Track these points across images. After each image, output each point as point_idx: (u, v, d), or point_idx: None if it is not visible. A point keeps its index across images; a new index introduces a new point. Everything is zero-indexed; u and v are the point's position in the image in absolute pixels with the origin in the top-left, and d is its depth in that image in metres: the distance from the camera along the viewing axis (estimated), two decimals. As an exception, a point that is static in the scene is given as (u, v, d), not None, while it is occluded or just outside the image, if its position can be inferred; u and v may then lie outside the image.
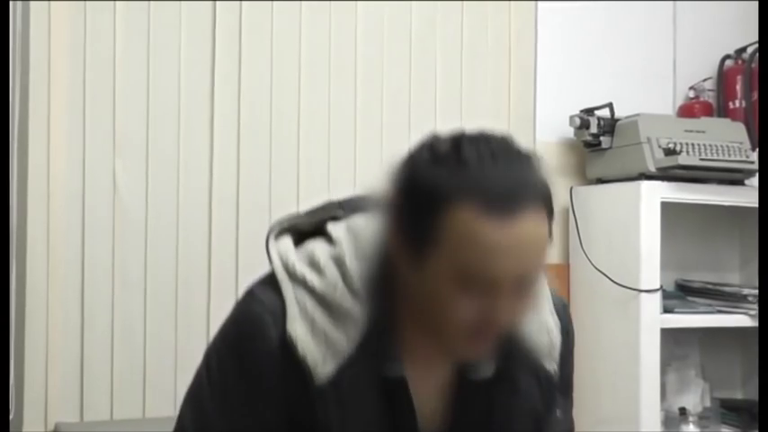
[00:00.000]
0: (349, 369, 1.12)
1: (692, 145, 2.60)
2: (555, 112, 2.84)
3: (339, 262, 1.15)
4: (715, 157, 2.61)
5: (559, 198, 2.81)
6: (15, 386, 2.25)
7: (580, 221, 2.78)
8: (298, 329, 1.12)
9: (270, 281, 1.18)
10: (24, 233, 2.25)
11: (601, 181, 2.78)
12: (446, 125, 2.73)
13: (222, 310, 2.44)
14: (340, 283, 1.14)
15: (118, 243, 2.34)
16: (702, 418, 2.73)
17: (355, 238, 1.17)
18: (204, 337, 2.40)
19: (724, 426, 2.79)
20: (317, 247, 1.18)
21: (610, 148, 2.72)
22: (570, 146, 2.89)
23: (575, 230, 2.79)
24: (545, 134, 2.87)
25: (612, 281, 2.61)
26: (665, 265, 2.61)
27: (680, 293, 2.85)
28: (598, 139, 2.73)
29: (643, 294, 2.54)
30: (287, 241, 1.21)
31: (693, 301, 2.78)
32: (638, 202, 2.56)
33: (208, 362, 1.22)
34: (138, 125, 2.36)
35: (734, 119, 2.88)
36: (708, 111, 2.96)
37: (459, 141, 1.09)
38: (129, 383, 2.34)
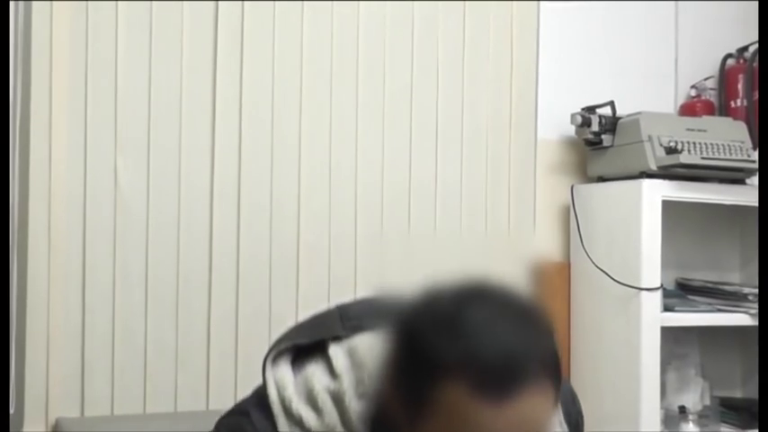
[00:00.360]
0: None
1: (694, 144, 2.60)
2: (556, 109, 2.84)
3: (338, 400, 1.08)
4: (716, 156, 2.61)
5: (558, 198, 2.84)
6: (16, 382, 2.25)
7: (581, 219, 2.78)
8: None
9: (265, 405, 1.12)
10: (25, 229, 2.25)
11: (602, 179, 2.78)
12: (448, 121, 2.76)
13: (223, 307, 2.47)
14: (339, 427, 1.07)
15: (119, 240, 2.34)
16: (702, 417, 2.73)
17: (358, 368, 1.09)
18: (205, 334, 2.41)
19: (723, 424, 2.79)
20: (315, 379, 1.10)
21: (611, 146, 2.72)
22: (571, 144, 2.89)
23: (575, 228, 2.79)
24: (546, 132, 2.87)
25: (613, 279, 2.61)
26: (666, 263, 2.61)
27: (680, 292, 2.85)
28: (599, 138, 2.73)
29: (643, 293, 2.54)
30: (285, 370, 1.14)
31: (694, 300, 2.78)
32: (640, 200, 2.56)
33: None
34: (140, 122, 2.36)
35: (735, 118, 2.87)
36: (709, 110, 2.96)
37: (459, 303, 1.00)
38: (129, 379, 2.34)
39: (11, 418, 2.23)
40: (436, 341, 0.97)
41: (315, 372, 1.11)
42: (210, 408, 2.37)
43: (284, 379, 1.12)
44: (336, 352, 1.11)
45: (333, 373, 1.10)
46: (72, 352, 2.30)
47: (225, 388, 2.41)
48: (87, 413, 2.30)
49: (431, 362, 0.96)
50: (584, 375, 2.79)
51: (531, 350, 0.97)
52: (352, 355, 1.10)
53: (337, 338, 1.13)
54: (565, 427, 1.17)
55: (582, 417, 1.27)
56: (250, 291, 2.45)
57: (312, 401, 1.09)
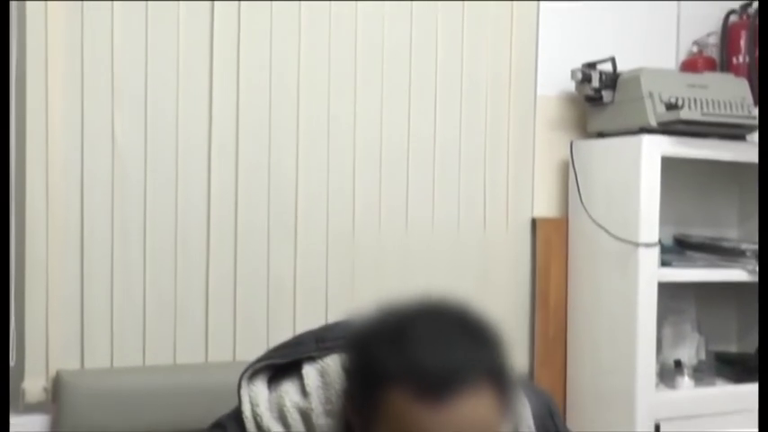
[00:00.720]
0: None
1: (695, 100, 2.59)
2: (556, 65, 2.82)
3: (306, 417, 1.16)
4: (717, 112, 2.60)
5: (558, 154, 2.83)
6: (16, 335, 2.26)
7: (580, 176, 2.78)
8: None
9: (240, 420, 1.19)
10: (23, 186, 2.25)
11: (601, 135, 2.78)
12: (447, 78, 2.74)
13: (220, 260, 2.49)
14: None
15: (117, 195, 2.34)
16: (697, 371, 2.75)
17: (327, 388, 1.17)
18: (203, 287, 2.42)
19: (718, 378, 2.82)
20: (287, 397, 1.19)
21: (611, 102, 2.71)
22: (571, 100, 2.88)
23: (574, 185, 2.79)
24: (546, 88, 2.85)
25: (611, 235, 2.62)
26: (664, 219, 2.62)
27: (678, 248, 2.86)
28: (599, 94, 2.71)
29: (641, 248, 2.55)
30: (260, 387, 1.21)
31: (691, 256, 2.79)
32: (639, 156, 2.55)
33: None
34: (137, 79, 2.35)
35: (737, 74, 2.86)
36: (711, 66, 2.95)
37: (408, 318, 1.06)
38: (128, 332, 2.36)
39: (11, 370, 2.25)
40: (382, 353, 1.03)
41: (288, 389, 1.19)
42: (209, 360, 2.39)
43: (258, 396, 1.20)
44: (309, 372, 1.19)
45: (304, 391, 1.18)
46: (71, 305, 2.31)
47: (223, 340, 2.42)
48: (87, 365, 2.32)
49: (377, 372, 1.03)
50: (581, 331, 2.81)
51: (470, 360, 1.02)
52: (323, 375, 1.18)
53: (311, 359, 1.21)
54: None
55: (564, 426, 1.33)
56: (248, 245, 2.45)
57: (282, 418, 1.17)
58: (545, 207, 2.88)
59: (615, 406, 2.63)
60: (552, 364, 2.85)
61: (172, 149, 2.39)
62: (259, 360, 1.24)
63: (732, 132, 2.68)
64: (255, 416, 1.18)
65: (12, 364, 2.26)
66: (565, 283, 2.86)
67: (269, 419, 1.18)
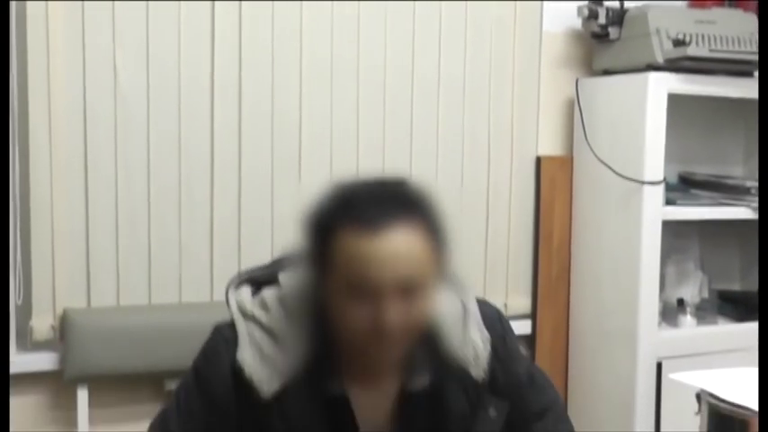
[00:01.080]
0: (293, 388, 1.33)
1: (702, 36, 2.56)
2: (562, 1, 2.78)
3: (283, 302, 1.37)
4: (725, 49, 2.57)
5: (563, 92, 2.81)
6: (23, 274, 2.28)
7: (585, 114, 2.76)
8: (245, 355, 1.33)
9: (230, 322, 1.39)
10: (26, 125, 2.24)
11: (607, 72, 2.75)
12: (451, 14, 2.70)
13: (225, 199, 2.49)
14: (284, 319, 1.35)
15: (120, 134, 2.33)
16: (700, 309, 2.77)
17: (299, 281, 1.37)
18: (208, 225, 2.43)
19: (720, 316, 2.84)
20: (267, 292, 1.39)
21: (617, 39, 2.68)
22: (577, 37, 2.84)
23: (579, 123, 2.77)
24: (552, 24, 2.82)
25: (616, 173, 2.61)
26: (669, 157, 2.61)
27: (683, 186, 2.85)
28: (606, 30, 2.68)
29: (646, 186, 2.54)
30: (244, 289, 1.41)
31: (696, 194, 2.78)
32: (645, 93, 2.53)
33: (177, 390, 1.43)
34: (138, 18, 2.32)
35: (745, 10, 2.82)
36: (719, 1, 2.90)
37: (353, 185, 1.31)
38: (134, 271, 2.37)
39: (18, 309, 2.28)
40: (331, 209, 1.29)
41: (267, 290, 1.40)
42: (214, 299, 2.40)
43: (242, 294, 1.41)
44: (284, 275, 1.40)
45: (282, 290, 1.39)
46: (77, 245, 2.32)
47: (228, 279, 2.43)
48: (94, 304, 2.34)
49: (328, 223, 1.28)
50: (584, 269, 2.82)
51: (401, 202, 1.29)
52: (295, 275, 1.38)
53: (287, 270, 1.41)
54: (486, 333, 1.42)
55: (510, 333, 1.51)
56: (252, 184, 2.45)
57: (264, 305, 1.37)
58: (550, 145, 2.87)
59: (618, 344, 2.65)
60: (555, 302, 2.87)
61: (174, 88, 2.37)
62: (242, 274, 1.45)
63: (740, 69, 2.65)
64: (241, 308, 1.38)
65: (19, 302, 2.28)
66: (569, 221, 2.86)
67: (252, 306, 1.38)
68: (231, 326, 1.38)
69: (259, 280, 1.43)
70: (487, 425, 1.43)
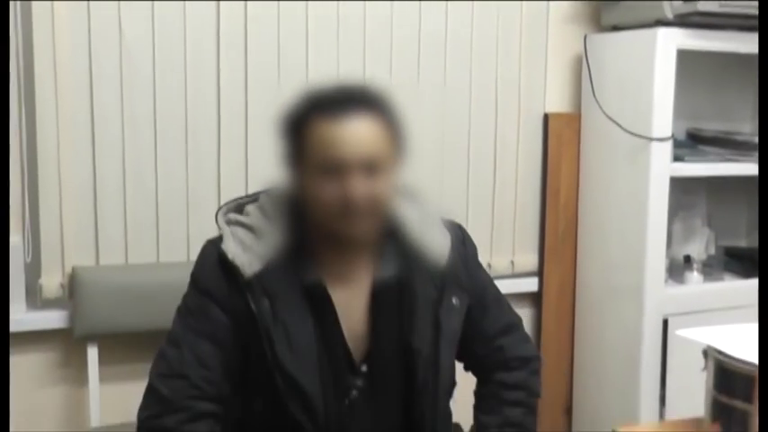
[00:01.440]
0: (273, 270, 1.53)
1: (712, -10, 2.52)
2: (571, -45, 2.76)
3: (263, 208, 1.60)
4: (735, 2, 2.53)
5: (571, 48, 2.79)
6: (32, 232, 2.29)
7: (593, 70, 2.73)
8: (229, 246, 1.55)
9: (219, 236, 1.60)
10: (31, 81, 2.23)
11: (616, 28, 2.72)
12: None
13: (232, 154, 2.48)
14: (262, 218, 1.58)
15: (126, 89, 2.33)
16: (706, 266, 2.77)
17: (274, 192, 1.61)
18: (215, 183, 2.43)
19: (727, 273, 2.84)
20: (249, 206, 1.62)
21: (626, -7, 2.65)
22: (586, -9, 2.82)
23: (587, 79, 2.75)
24: (560, -21, 2.79)
25: (624, 129, 2.60)
26: (678, 113, 2.59)
27: (691, 142, 2.84)
28: (615, -15, 2.65)
29: (654, 143, 2.53)
30: (232, 214, 1.62)
31: (704, 150, 2.77)
32: (654, 49, 2.51)
33: (180, 304, 1.62)
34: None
35: (756, -37, 2.78)
36: (730, -46, 2.86)
37: (318, 86, 1.53)
38: (142, 229, 2.38)
39: (27, 267, 2.29)
40: (301, 105, 1.53)
41: (249, 204, 1.63)
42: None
43: (229, 214, 1.63)
44: (264, 194, 1.63)
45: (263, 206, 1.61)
46: (85, 203, 2.33)
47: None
48: (102, 262, 2.35)
49: (298, 119, 1.52)
50: (591, 226, 2.82)
51: (361, 95, 1.53)
52: (272, 190, 1.62)
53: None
54: (447, 233, 1.65)
55: (470, 240, 1.75)
56: (258, 137, 2.44)
57: (245, 213, 1.61)
58: (557, 102, 2.85)
59: (624, 301, 2.66)
60: (562, 259, 2.87)
61: (180, 39, 2.36)
62: (230, 201, 1.67)
63: (750, 24, 2.61)
64: (227, 221, 1.60)
65: (28, 260, 2.29)
66: (576, 178, 2.85)
67: (236, 217, 1.60)
68: (219, 237, 1.59)
69: (243, 203, 1.65)
70: (452, 312, 1.64)
